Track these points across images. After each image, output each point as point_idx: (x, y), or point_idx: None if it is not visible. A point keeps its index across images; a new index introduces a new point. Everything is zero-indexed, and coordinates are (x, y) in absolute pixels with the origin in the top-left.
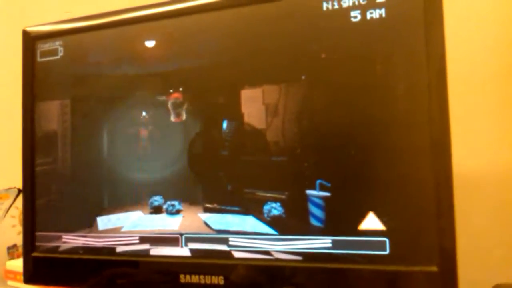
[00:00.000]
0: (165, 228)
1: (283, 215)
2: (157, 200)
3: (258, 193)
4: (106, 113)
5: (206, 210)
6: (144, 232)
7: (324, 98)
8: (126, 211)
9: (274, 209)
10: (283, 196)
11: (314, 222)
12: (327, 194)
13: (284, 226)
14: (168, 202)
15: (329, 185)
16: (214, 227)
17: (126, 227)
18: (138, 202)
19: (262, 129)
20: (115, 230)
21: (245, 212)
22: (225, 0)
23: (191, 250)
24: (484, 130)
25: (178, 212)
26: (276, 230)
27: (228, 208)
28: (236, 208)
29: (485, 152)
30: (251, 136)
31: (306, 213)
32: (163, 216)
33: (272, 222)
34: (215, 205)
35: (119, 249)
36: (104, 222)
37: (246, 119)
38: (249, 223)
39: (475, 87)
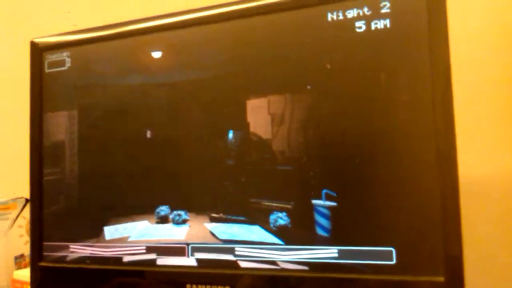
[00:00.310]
0: (171, 238)
1: (289, 225)
2: (164, 209)
3: (264, 202)
4: (113, 123)
5: (212, 219)
6: (151, 241)
7: (328, 108)
8: (133, 220)
9: (280, 218)
10: (289, 206)
11: (320, 232)
12: (333, 203)
13: (291, 236)
14: (175, 212)
15: (335, 194)
16: (220, 237)
17: (133, 237)
18: (145, 212)
19: (268, 139)
20: (122, 240)
21: (251, 221)
22: (230, 11)
23: (198, 260)
24: (490, 138)
25: (184, 221)
26: (282, 240)
27: (234, 217)
28: (242, 218)
29: (491, 160)
30: (257, 146)
31: (313, 223)
32: (169, 226)
33: (278, 232)
34: (221, 214)
35: (126, 258)
36: (111, 231)
37: (252, 128)
38: (255, 232)
39: (481, 95)
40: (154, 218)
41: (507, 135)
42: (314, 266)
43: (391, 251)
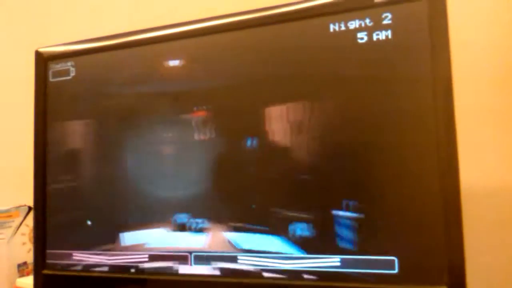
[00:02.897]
0: (188, 246)
1: (310, 236)
2: (181, 217)
3: (284, 212)
4: (122, 132)
5: (232, 229)
6: (153, 250)
7: (328, 117)
8: (144, 228)
9: (300, 229)
10: (310, 216)
11: (341, 243)
12: (354, 215)
13: (311, 247)
14: (192, 220)
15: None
16: (239, 246)
17: (148, 244)
18: (161, 220)
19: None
20: (131, 248)
21: (271, 231)
22: (229, 22)
23: (215, 269)
24: (492, 147)
25: (202, 230)
26: (303, 251)
27: (253, 227)
28: (261, 228)
29: (494, 169)
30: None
31: (333, 233)
32: (187, 234)
33: (299, 242)
34: (241, 224)
35: (129, 266)
36: (124, 238)
37: (271, 137)
38: (276, 243)
39: (482, 105)
40: (171, 226)
41: (508, 144)
42: (316, 275)
43: (393, 260)
